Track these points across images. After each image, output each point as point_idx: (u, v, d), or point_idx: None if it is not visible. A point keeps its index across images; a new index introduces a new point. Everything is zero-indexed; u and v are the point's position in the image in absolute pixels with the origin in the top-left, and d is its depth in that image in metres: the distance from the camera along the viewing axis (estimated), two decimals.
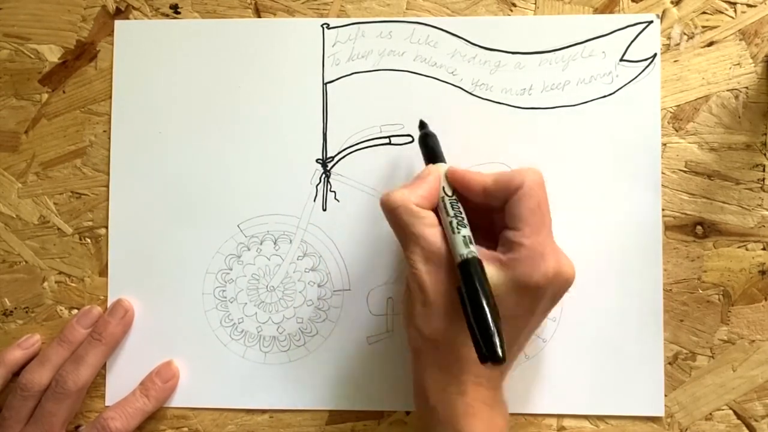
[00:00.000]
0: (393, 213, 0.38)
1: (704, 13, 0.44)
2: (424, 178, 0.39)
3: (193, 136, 0.46)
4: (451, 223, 0.37)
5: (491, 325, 0.33)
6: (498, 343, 0.33)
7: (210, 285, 0.45)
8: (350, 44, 0.45)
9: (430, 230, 0.37)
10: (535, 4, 0.45)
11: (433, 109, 0.45)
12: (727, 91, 0.44)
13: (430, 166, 0.40)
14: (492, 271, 0.36)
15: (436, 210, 0.39)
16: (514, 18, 0.45)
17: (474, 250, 0.36)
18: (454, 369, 0.37)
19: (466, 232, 0.37)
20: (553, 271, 0.36)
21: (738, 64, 0.44)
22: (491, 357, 0.32)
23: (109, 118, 0.46)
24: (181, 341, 0.45)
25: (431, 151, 0.41)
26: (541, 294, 0.36)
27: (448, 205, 0.38)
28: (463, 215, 0.38)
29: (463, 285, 0.35)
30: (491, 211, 0.39)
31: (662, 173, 0.44)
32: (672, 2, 0.45)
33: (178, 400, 0.45)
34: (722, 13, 0.44)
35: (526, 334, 0.39)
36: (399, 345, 0.44)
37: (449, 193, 0.39)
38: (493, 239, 0.38)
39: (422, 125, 0.43)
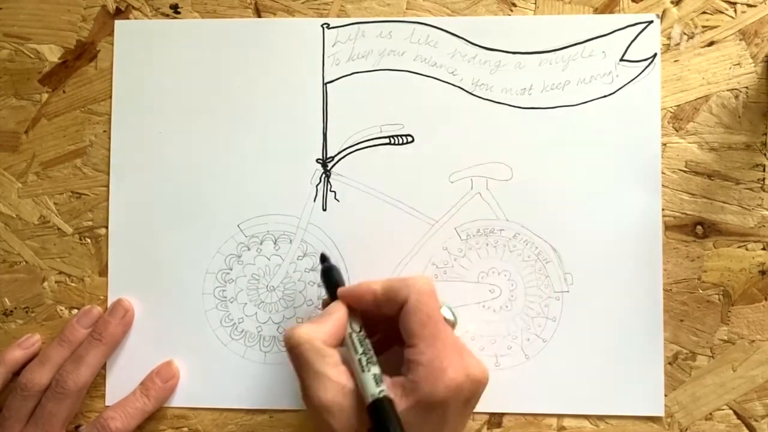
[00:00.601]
0: (297, 350, 0.37)
1: (704, 13, 0.44)
2: (331, 314, 0.38)
3: (192, 136, 0.46)
4: (360, 360, 0.36)
5: None
6: None
7: (210, 285, 0.45)
8: (350, 44, 0.45)
9: (336, 369, 0.36)
10: (535, 4, 0.45)
11: (433, 109, 0.45)
12: (727, 91, 0.44)
13: (336, 302, 0.39)
14: (398, 400, 0.35)
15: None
16: (514, 18, 0.45)
17: (384, 388, 0.35)
18: None
19: (375, 369, 0.36)
20: (455, 383, 0.35)
21: (738, 64, 0.44)
22: None
23: (109, 118, 0.46)
24: (181, 341, 0.45)
25: (334, 285, 0.40)
26: (447, 406, 0.36)
27: (356, 342, 0.37)
28: (372, 351, 0.37)
29: (375, 427, 0.34)
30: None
31: (662, 173, 0.44)
32: (672, 2, 0.45)
33: (178, 400, 0.45)
34: (722, 13, 0.44)
35: None
36: None
37: (357, 329, 0.38)
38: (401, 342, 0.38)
39: (323, 258, 0.42)
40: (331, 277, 0.41)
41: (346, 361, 0.37)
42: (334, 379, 0.36)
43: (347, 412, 0.36)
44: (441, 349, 0.36)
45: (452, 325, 0.40)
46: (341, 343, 0.38)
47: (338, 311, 0.39)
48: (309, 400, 0.36)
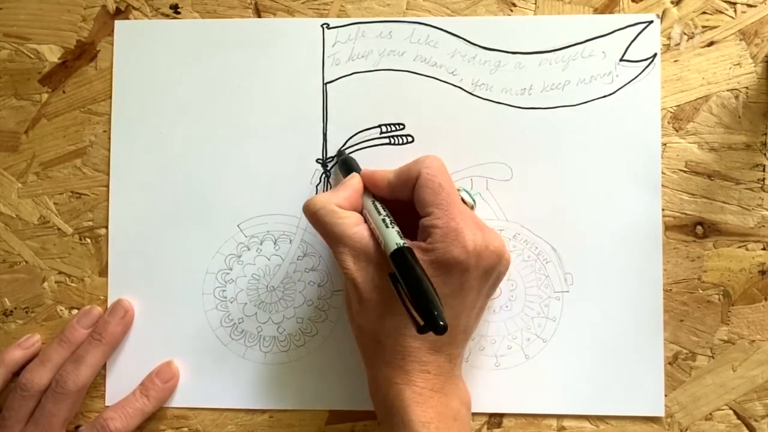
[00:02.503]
0: (315, 216, 0.38)
1: (704, 13, 0.44)
2: (347, 182, 0.40)
3: (193, 136, 0.46)
4: (384, 220, 0.38)
5: (429, 294, 0.33)
6: (438, 312, 0.33)
7: (210, 285, 0.45)
8: (350, 44, 0.45)
9: (355, 229, 0.38)
10: (535, 4, 0.45)
11: (433, 109, 0.45)
12: (727, 91, 0.44)
13: (352, 174, 0.41)
14: (418, 257, 0.36)
15: (361, 213, 0.39)
16: (514, 18, 0.45)
17: (407, 242, 0.37)
18: (399, 360, 0.38)
19: (397, 228, 0.37)
20: (472, 245, 0.36)
21: (738, 64, 0.44)
22: (432, 326, 0.32)
23: (109, 118, 0.46)
24: (181, 341, 0.45)
25: (350, 167, 0.42)
26: (464, 268, 0.37)
27: (379, 206, 0.39)
28: (391, 216, 0.38)
29: (396, 268, 0.35)
30: (414, 212, 0.39)
31: (662, 173, 0.44)
32: (672, 2, 0.45)
33: (178, 400, 0.45)
34: (722, 13, 0.44)
35: (467, 314, 0.38)
36: None
37: (377, 199, 0.40)
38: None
39: (340, 153, 0.44)
40: (350, 165, 0.42)
41: (366, 224, 0.39)
42: (354, 237, 0.37)
43: (369, 268, 0.37)
44: (456, 214, 0.37)
45: (470, 207, 0.41)
46: (359, 210, 0.39)
47: (354, 179, 0.40)
48: (337, 261, 0.38)
